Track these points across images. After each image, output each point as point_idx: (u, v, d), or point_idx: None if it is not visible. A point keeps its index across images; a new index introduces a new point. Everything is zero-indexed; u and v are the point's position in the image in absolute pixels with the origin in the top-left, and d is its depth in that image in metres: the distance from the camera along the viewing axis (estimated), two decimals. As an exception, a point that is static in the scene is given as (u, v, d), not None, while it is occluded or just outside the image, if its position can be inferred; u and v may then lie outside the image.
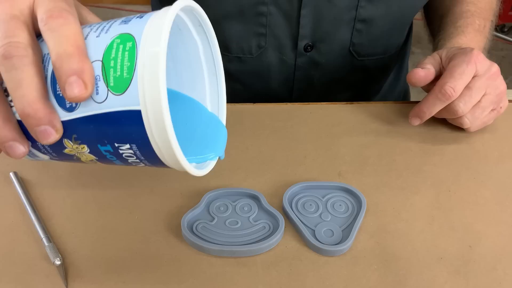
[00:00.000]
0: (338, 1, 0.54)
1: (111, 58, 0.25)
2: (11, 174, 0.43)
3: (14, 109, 0.27)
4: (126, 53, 0.24)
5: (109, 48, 0.25)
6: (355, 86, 0.66)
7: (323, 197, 0.41)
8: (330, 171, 0.44)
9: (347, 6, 0.55)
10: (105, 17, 0.30)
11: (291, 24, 0.56)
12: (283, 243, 0.37)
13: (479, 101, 0.46)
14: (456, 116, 0.47)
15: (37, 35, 0.28)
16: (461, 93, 0.45)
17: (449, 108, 0.46)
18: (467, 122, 0.47)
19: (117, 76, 0.24)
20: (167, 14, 0.25)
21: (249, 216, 0.39)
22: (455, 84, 0.44)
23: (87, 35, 0.27)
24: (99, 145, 0.27)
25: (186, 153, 0.27)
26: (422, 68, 0.48)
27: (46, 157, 0.30)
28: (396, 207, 0.41)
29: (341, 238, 0.37)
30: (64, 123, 0.26)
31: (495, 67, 0.47)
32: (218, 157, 0.33)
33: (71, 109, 0.26)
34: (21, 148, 0.27)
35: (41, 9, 0.27)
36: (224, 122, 0.36)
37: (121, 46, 0.25)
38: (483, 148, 0.48)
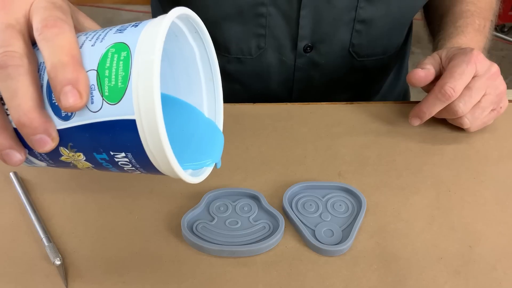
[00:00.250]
0: (338, 2, 0.54)
1: (106, 67, 0.25)
2: (11, 174, 0.43)
3: (10, 117, 0.27)
4: (121, 62, 0.25)
5: (104, 58, 0.25)
6: (354, 86, 0.66)
7: (323, 197, 0.41)
8: (330, 171, 0.44)
9: (347, 7, 0.55)
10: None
11: (291, 25, 0.56)
12: (283, 243, 0.37)
13: (479, 101, 0.46)
14: (456, 116, 0.47)
15: (33, 43, 0.28)
16: (461, 93, 0.45)
17: (449, 108, 0.46)
18: (467, 122, 0.47)
19: (112, 86, 0.25)
20: (161, 24, 0.25)
21: (249, 216, 0.39)
22: (455, 84, 0.44)
23: (82, 44, 0.27)
24: (94, 153, 0.27)
25: (183, 159, 0.27)
26: (422, 68, 0.48)
27: (43, 164, 0.30)
28: (396, 207, 0.41)
29: (341, 238, 0.37)
30: (60, 131, 0.26)
31: (495, 67, 0.47)
32: (214, 164, 0.33)
33: (66, 118, 0.26)
34: (18, 155, 0.27)
35: (36, 18, 0.27)
36: (221, 127, 0.36)
37: (115, 56, 0.25)
38: (483, 148, 0.48)
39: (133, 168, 0.28)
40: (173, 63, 0.34)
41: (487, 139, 0.49)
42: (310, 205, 0.40)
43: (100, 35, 0.27)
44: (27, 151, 0.28)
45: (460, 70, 0.45)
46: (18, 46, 0.26)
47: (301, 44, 0.58)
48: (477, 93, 0.46)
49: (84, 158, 0.27)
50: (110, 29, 0.27)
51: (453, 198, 0.42)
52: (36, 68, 0.27)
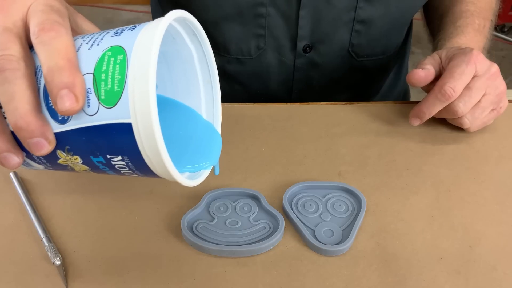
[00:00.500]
0: (337, 2, 0.54)
1: (102, 71, 0.25)
2: (11, 174, 0.43)
3: (7, 120, 0.27)
4: (117, 66, 0.25)
5: (100, 61, 0.25)
6: (354, 86, 0.66)
7: (323, 197, 0.41)
8: (330, 171, 0.44)
9: (346, 7, 0.55)
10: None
11: (290, 25, 0.56)
12: (283, 243, 0.37)
13: (479, 101, 0.46)
14: (456, 116, 0.47)
15: (30, 46, 0.28)
16: (461, 93, 0.45)
17: (449, 108, 0.46)
18: (467, 122, 0.47)
19: (108, 89, 0.25)
20: (157, 28, 0.25)
21: (249, 216, 0.39)
22: (454, 85, 0.44)
23: (79, 47, 0.27)
24: (91, 157, 0.27)
25: (180, 162, 0.27)
26: (422, 68, 0.48)
27: (40, 167, 0.30)
28: (396, 207, 0.41)
29: (341, 238, 0.37)
30: (57, 134, 0.26)
31: (495, 67, 0.47)
32: (212, 167, 0.33)
33: (63, 121, 0.26)
34: (15, 159, 0.27)
35: (33, 22, 0.27)
36: (219, 129, 0.36)
37: (112, 59, 0.25)
38: (483, 148, 0.48)
39: (130, 171, 0.28)
40: (171, 66, 0.34)
41: (487, 139, 0.49)
42: (310, 205, 0.40)
43: (97, 38, 0.27)
44: (24, 154, 0.28)
45: (460, 70, 0.45)
46: (15, 49, 0.26)
47: (301, 44, 0.58)
48: (477, 93, 0.46)
49: (81, 161, 0.27)
50: (107, 32, 0.27)
51: (453, 198, 0.42)
52: (33, 72, 0.27)
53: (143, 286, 0.34)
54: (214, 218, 0.39)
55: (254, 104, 0.54)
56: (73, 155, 0.27)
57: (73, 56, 0.26)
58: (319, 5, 0.54)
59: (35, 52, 0.27)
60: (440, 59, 0.49)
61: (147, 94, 0.23)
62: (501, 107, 0.48)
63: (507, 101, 0.49)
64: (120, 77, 0.24)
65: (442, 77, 0.46)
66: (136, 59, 0.24)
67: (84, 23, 0.32)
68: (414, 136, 0.49)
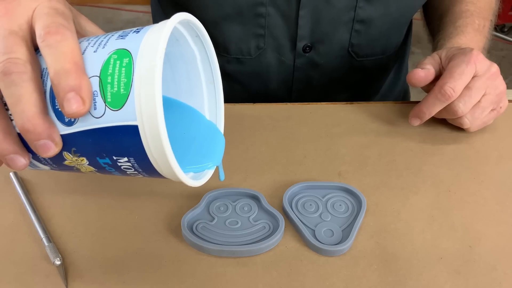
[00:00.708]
0: (337, 2, 0.54)
1: (108, 74, 0.25)
2: (11, 174, 0.43)
3: (14, 122, 0.27)
4: (123, 69, 0.25)
5: (106, 64, 0.25)
6: (354, 86, 0.66)
7: (323, 197, 0.41)
8: (330, 171, 0.44)
9: (346, 7, 0.55)
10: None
11: (290, 25, 0.56)
12: (283, 243, 0.37)
13: (479, 101, 0.46)
14: (456, 116, 0.47)
15: (36, 48, 0.28)
16: (461, 93, 0.45)
17: (449, 108, 0.46)
18: (467, 122, 0.47)
19: (114, 92, 0.25)
20: (162, 31, 0.25)
21: (249, 216, 0.39)
22: (454, 85, 0.44)
23: (85, 50, 0.27)
24: (98, 158, 0.27)
25: (184, 162, 0.27)
26: (422, 68, 0.48)
27: (46, 167, 0.30)
28: (396, 207, 0.41)
29: (341, 238, 0.37)
30: (63, 136, 0.27)
31: (495, 67, 0.47)
32: (217, 171, 0.33)
33: (70, 123, 0.26)
34: (22, 160, 0.28)
35: (39, 25, 0.27)
36: (222, 130, 0.36)
37: (118, 62, 0.25)
38: (483, 148, 0.48)
39: (136, 172, 0.28)
40: (174, 67, 0.34)
41: (487, 139, 0.49)
42: (310, 205, 0.40)
43: (102, 41, 0.27)
44: (31, 155, 0.28)
45: (460, 70, 0.45)
46: (21, 52, 0.26)
47: (300, 44, 0.58)
48: (477, 93, 0.46)
49: (87, 163, 0.28)
50: (112, 35, 0.27)
51: (453, 198, 0.42)
52: (39, 74, 0.27)
53: (143, 286, 0.34)
54: (214, 218, 0.39)
55: (254, 104, 0.54)
56: (79, 156, 0.27)
57: (79, 59, 0.26)
58: (318, 5, 0.54)
59: (40, 55, 0.27)
60: (440, 59, 0.49)
61: (153, 97, 0.24)
62: (501, 107, 0.48)
63: (507, 101, 0.49)
64: (126, 80, 0.25)
65: (442, 77, 0.46)
66: (142, 62, 0.25)
67: (87, 25, 0.32)
68: (414, 136, 0.49)
